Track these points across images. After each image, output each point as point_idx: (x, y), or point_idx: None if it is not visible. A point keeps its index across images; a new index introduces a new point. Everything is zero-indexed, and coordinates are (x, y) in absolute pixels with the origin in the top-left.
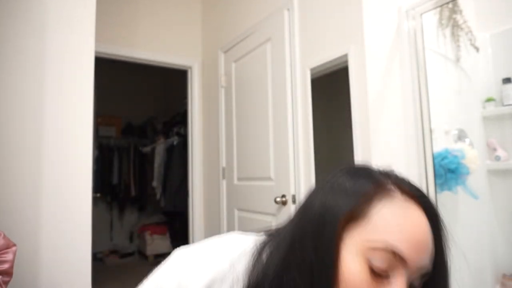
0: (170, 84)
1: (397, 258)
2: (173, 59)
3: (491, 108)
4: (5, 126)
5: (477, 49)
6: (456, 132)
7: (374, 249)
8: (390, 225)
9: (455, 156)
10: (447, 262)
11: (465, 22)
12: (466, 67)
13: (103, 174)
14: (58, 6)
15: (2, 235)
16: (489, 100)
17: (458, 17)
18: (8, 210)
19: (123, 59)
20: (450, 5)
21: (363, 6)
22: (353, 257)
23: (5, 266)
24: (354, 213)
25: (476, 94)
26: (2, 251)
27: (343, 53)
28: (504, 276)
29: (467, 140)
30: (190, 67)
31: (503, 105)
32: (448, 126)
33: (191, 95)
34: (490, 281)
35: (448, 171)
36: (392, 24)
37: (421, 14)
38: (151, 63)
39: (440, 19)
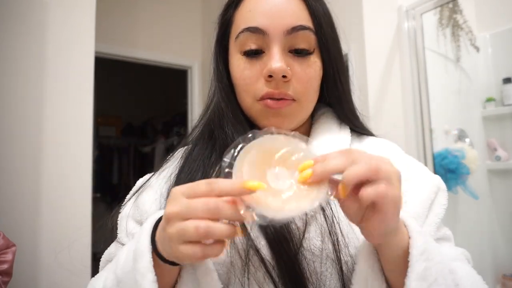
0: (170, 84)
1: (258, 33)
2: (173, 59)
3: (491, 108)
4: (4, 126)
5: (477, 49)
6: (456, 132)
7: (237, 38)
8: (243, 15)
9: (455, 156)
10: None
11: (465, 22)
12: (466, 67)
13: (103, 174)
14: (58, 6)
15: (2, 235)
16: (489, 100)
17: (458, 17)
18: (8, 210)
19: (123, 59)
20: (450, 5)
21: (363, 6)
22: (233, 57)
23: (5, 266)
24: (226, 22)
25: (476, 94)
26: (2, 251)
27: (343, 53)
28: (504, 276)
29: (467, 140)
30: (190, 67)
31: (503, 105)
32: (448, 126)
33: (191, 95)
34: (490, 282)
35: (448, 171)
36: (392, 24)
37: (421, 14)
38: (151, 63)
39: (440, 19)
